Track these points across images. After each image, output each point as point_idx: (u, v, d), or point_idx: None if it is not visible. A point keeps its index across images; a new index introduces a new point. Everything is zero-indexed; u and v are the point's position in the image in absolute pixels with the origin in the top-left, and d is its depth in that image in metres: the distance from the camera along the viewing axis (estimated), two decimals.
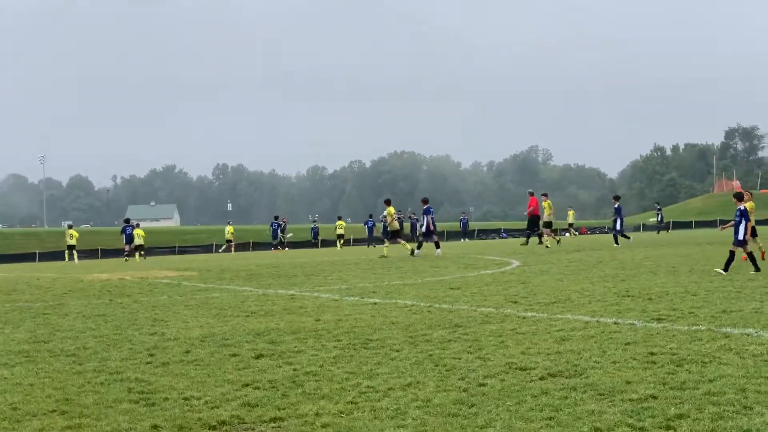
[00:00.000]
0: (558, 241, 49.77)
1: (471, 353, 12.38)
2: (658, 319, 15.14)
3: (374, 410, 9.06)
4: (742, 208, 24.32)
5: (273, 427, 8.58)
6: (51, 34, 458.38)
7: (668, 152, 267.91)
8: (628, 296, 19.20)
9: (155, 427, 8.72)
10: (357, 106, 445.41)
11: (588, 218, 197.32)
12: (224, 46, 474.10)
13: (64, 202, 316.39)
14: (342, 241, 78.65)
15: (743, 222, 24.25)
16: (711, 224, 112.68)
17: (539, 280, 24.39)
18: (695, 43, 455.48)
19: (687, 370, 10.49)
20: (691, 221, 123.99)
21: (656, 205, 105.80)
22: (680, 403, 8.82)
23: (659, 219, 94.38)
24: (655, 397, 9.09)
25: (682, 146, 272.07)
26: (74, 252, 69.00)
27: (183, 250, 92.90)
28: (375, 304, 19.59)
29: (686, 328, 14.00)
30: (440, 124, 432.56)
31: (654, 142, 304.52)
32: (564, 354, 11.96)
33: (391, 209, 47.90)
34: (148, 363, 12.67)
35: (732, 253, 24.24)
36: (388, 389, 10.08)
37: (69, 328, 17.36)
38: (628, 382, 9.86)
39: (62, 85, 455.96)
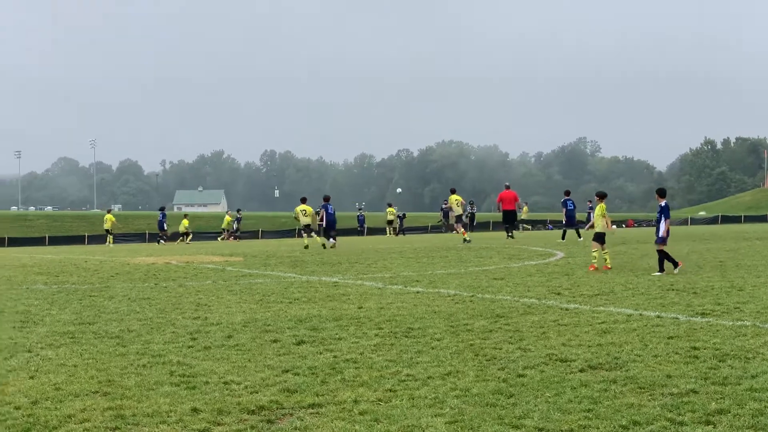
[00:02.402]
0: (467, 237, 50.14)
1: (512, 344, 12.36)
2: (702, 314, 15.03)
3: (413, 398, 9.07)
4: None
5: (311, 413, 8.61)
6: (102, 21, 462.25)
7: (719, 146, 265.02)
8: (673, 290, 19.07)
9: (195, 410, 8.79)
10: (406, 95, 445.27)
11: (636, 211, 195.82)
12: (272, 35, 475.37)
13: (114, 186, 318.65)
14: (391, 228, 79.07)
15: None
16: (761, 219, 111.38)
17: (583, 272, 24.27)
18: (748, 36, 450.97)
19: (729, 365, 10.42)
20: (741, 216, 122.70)
21: None
22: (721, 398, 8.76)
23: None
24: (695, 392, 9.03)
25: (733, 140, 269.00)
26: (109, 236, 69.71)
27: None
28: (418, 293, 19.59)
29: (730, 323, 13.89)
30: (488, 115, 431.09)
31: (704, 135, 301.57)
32: (605, 347, 11.91)
33: (455, 197, 47.97)
34: (190, 347, 12.76)
35: None
36: (428, 378, 10.09)
37: (114, 310, 17.52)
38: (669, 376, 9.81)
39: (115, 71, 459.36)
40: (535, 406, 8.61)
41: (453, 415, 8.35)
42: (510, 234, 50.16)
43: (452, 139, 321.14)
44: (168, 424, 8.28)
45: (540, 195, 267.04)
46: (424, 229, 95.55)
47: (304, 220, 46.53)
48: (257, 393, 9.50)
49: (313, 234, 47.35)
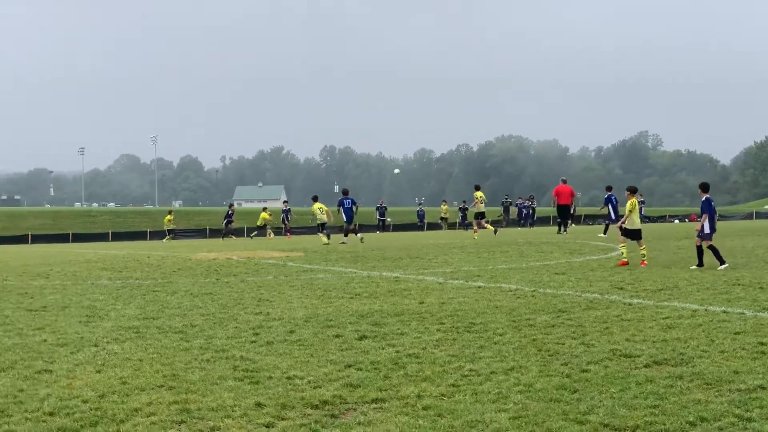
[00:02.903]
0: (495, 231, 49.85)
1: (575, 339, 12.29)
2: None
3: (476, 393, 9.04)
4: None
5: (374, 408, 8.62)
6: (162, 21, 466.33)
7: None
8: (739, 285, 18.84)
9: (259, 404, 8.83)
10: (465, 90, 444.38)
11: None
12: (332, 32, 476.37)
13: (175, 182, 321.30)
14: (446, 224, 79.31)
15: None
16: None
17: (645, 268, 24.05)
18: None
19: None
20: None
21: None
22: None
23: None
24: (763, 388, 8.92)
25: None
26: (169, 233, 70.59)
27: (291, 231, 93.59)
28: (479, 287, 19.54)
29: None
30: (548, 109, 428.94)
31: None
32: (670, 342, 11.80)
33: (479, 193, 48.35)
34: (252, 342, 12.83)
35: None
36: (491, 373, 10.06)
37: (177, 305, 17.66)
38: (736, 372, 9.69)
39: (176, 70, 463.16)
40: (600, 401, 8.55)
41: (517, 410, 8.31)
42: (563, 229, 49.77)
43: (511, 133, 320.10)
44: (233, 419, 8.33)
45: (600, 190, 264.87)
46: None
47: (321, 218, 47.30)
48: (320, 388, 9.53)
49: (325, 231, 47.75)
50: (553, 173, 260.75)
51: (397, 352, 11.64)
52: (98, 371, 10.82)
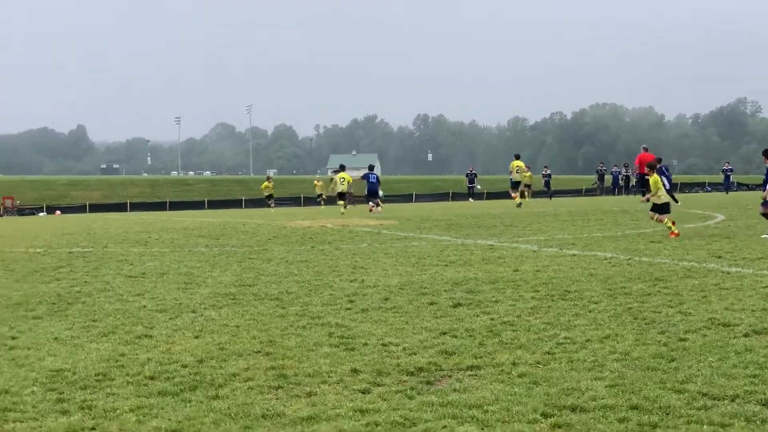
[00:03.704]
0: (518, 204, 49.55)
1: (671, 307, 12.15)
2: None
3: (571, 361, 9.01)
4: None
5: (470, 375, 8.63)
6: None
7: None
8: None
9: (355, 371, 8.90)
10: (558, 57, 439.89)
11: None
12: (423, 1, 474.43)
13: (269, 151, 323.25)
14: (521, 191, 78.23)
15: None
16: None
17: (745, 235, 23.67)
18: None
19: None
20: None
21: None
22: None
23: None
24: None
25: None
26: (271, 200, 70.42)
27: (383, 200, 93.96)
28: (574, 255, 19.41)
29: None
30: (643, 76, 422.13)
31: None
32: None
33: (518, 163, 49.41)
34: (348, 309, 12.92)
35: None
36: (586, 341, 10.01)
37: (273, 272, 17.84)
38: None
39: (270, 39, 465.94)
40: (698, 370, 8.45)
41: (613, 378, 8.26)
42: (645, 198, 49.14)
43: (605, 101, 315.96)
44: (329, 384, 8.41)
45: (697, 157, 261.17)
46: (577, 192, 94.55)
47: (341, 188, 49.38)
48: (415, 355, 9.57)
49: (345, 201, 49.67)
50: (649, 141, 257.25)
51: (492, 319, 11.63)
52: (196, 337, 11.00)
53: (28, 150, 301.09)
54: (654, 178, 24.99)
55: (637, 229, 27.24)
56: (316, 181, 77.58)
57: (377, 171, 74.01)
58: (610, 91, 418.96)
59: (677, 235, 23.83)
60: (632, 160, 66.34)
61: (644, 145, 51.63)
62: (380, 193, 50.06)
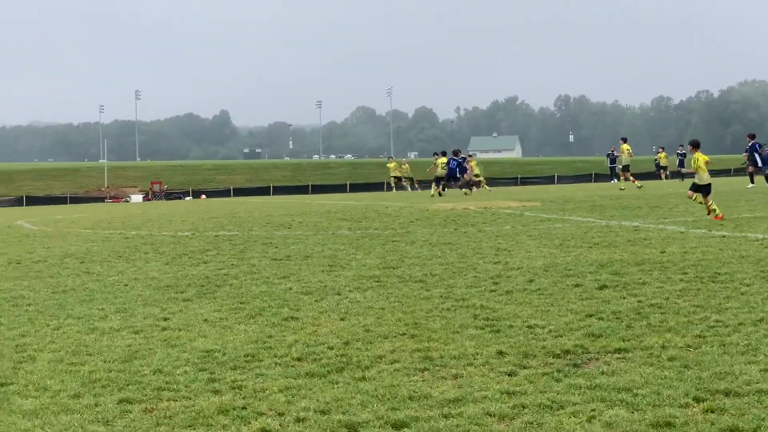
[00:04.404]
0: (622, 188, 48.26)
1: None
2: None
3: (723, 345, 8.80)
4: None
5: (617, 358, 8.51)
6: None
7: None
8: None
9: (501, 353, 8.86)
10: (704, 34, 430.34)
11: None
12: None
13: (410, 134, 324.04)
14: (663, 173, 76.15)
15: None
16: None
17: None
18: None
19: None
20: None
21: None
22: None
23: None
24: None
25: None
26: (393, 182, 68.46)
27: (525, 181, 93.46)
28: (723, 237, 18.94)
29: None
30: None
31: None
32: None
33: (627, 146, 49.59)
34: (492, 291, 12.87)
35: None
36: (738, 324, 9.76)
37: (416, 255, 17.89)
38: None
39: (407, 23, 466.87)
40: None
41: (767, 363, 8.04)
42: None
43: (755, 78, 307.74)
44: (475, 366, 8.39)
45: None
46: (726, 172, 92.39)
47: (441, 172, 50.73)
48: (561, 337, 9.48)
49: (441, 185, 51.09)
50: None
51: (639, 302, 11.45)
52: (342, 319, 11.10)
53: (176, 135, 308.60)
54: (698, 156, 24.51)
55: None
56: (388, 163, 73.09)
57: (476, 156, 72.56)
58: (760, 68, 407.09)
59: (721, 218, 23.35)
60: None
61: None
62: (461, 177, 50.63)
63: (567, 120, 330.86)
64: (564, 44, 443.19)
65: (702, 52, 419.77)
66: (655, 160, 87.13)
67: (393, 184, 69.24)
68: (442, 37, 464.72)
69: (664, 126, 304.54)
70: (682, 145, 78.14)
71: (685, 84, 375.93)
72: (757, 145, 45.65)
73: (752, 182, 44.33)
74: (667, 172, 72.69)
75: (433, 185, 51.34)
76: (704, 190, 24.33)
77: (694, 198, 24.67)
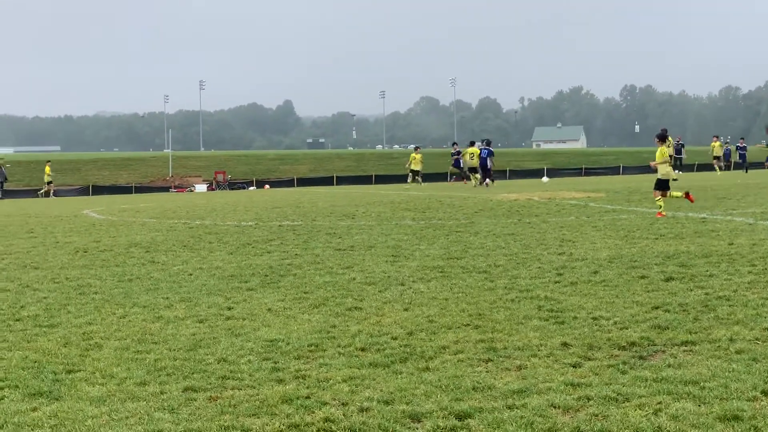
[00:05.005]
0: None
1: None
2: None
3: None
4: None
5: (684, 351, 8.42)
6: None
7: None
8: None
9: (565, 344, 8.81)
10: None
11: None
12: None
13: (473, 124, 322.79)
14: (718, 164, 74.13)
15: None
16: None
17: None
18: None
19: None
20: None
21: None
22: None
23: None
24: None
25: None
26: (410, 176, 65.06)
27: (589, 172, 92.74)
28: None
29: None
30: None
31: None
32: None
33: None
34: (556, 282, 12.80)
35: None
36: None
37: (480, 245, 17.83)
38: None
39: (472, 9, 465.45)
40: None
41: None
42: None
43: None
44: (539, 358, 8.34)
45: None
46: None
47: (470, 163, 51.76)
48: (627, 329, 9.40)
49: (471, 175, 52.46)
50: None
51: (707, 294, 11.32)
52: (405, 309, 11.10)
53: (240, 125, 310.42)
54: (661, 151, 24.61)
55: None
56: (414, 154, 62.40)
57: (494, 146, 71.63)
58: None
59: (663, 215, 22.99)
60: None
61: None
62: (490, 167, 51.34)
63: (633, 110, 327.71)
64: (629, 33, 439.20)
65: None
66: (725, 149, 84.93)
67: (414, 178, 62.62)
68: (506, 26, 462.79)
69: (732, 116, 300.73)
70: (743, 138, 76.79)
71: (753, 73, 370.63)
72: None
73: None
74: (721, 163, 70.19)
75: (472, 175, 52.24)
76: (664, 185, 23.98)
77: (659, 198, 24.20)
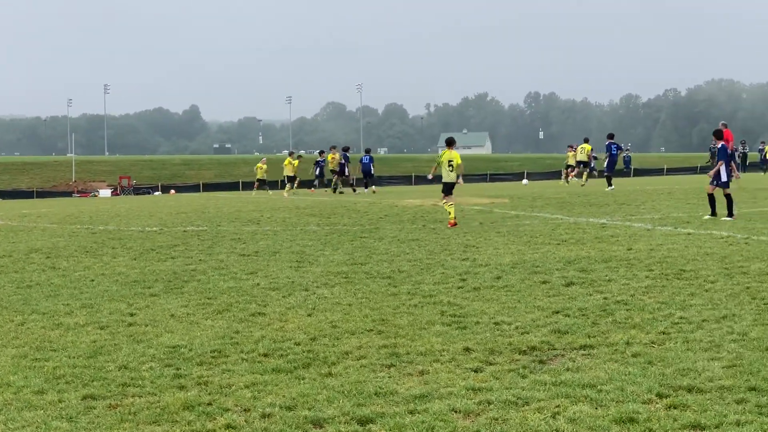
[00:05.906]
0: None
1: None
2: None
3: (687, 342, 8.89)
4: None
5: (583, 355, 8.57)
6: None
7: None
8: None
9: (467, 349, 8.91)
10: (671, 31, 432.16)
11: None
12: None
13: (380, 130, 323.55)
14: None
15: None
16: None
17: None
18: None
19: None
20: None
21: None
22: None
23: None
24: None
25: None
26: (257, 184, 64.98)
27: (494, 178, 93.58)
28: (689, 234, 19.09)
29: None
30: (763, 50, 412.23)
31: None
32: None
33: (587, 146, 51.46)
34: (459, 287, 12.92)
35: None
36: (702, 321, 9.86)
37: (384, 251, 17.90)
38: None
39: (380, 20, 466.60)
40: None
41: (730, 359, 8.13)
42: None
43: (722, 77, 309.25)
44: (441, 363, 8.43)
45: None
46: (692, 170, 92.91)
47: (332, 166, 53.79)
48: (528, 333, 9.54)
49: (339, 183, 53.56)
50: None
51: (605, 298, 11.53)
52: (309, 315, 11.12)
53: (145, 129, 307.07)
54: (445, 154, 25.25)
55: (755, 207, 26.66)
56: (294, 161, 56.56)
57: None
58: (727, 67, 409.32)
59: (453, 224, 23.30)
60: (749, 137, 64.16)
61: (723, 122, 50.31)
62: (373, 173, 53.01)
63: (537, 117, 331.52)
64: (533, 41, 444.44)
65: (670, 51, 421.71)
66: (624, 156, 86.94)
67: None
68: (412, 33, 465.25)
69: (633, 124, 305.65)
70: (764, 141, 77.87)
71: (653, 82, 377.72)
72: (613, 146, 46.73)
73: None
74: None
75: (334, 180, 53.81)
76: (448, 189, 24.33)
77: (443, 203, 24.51)
